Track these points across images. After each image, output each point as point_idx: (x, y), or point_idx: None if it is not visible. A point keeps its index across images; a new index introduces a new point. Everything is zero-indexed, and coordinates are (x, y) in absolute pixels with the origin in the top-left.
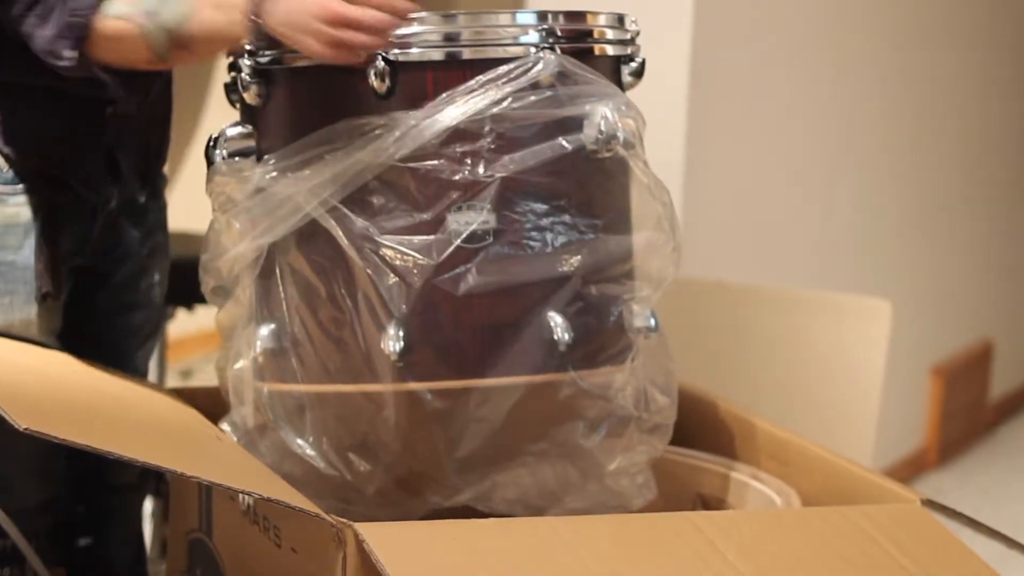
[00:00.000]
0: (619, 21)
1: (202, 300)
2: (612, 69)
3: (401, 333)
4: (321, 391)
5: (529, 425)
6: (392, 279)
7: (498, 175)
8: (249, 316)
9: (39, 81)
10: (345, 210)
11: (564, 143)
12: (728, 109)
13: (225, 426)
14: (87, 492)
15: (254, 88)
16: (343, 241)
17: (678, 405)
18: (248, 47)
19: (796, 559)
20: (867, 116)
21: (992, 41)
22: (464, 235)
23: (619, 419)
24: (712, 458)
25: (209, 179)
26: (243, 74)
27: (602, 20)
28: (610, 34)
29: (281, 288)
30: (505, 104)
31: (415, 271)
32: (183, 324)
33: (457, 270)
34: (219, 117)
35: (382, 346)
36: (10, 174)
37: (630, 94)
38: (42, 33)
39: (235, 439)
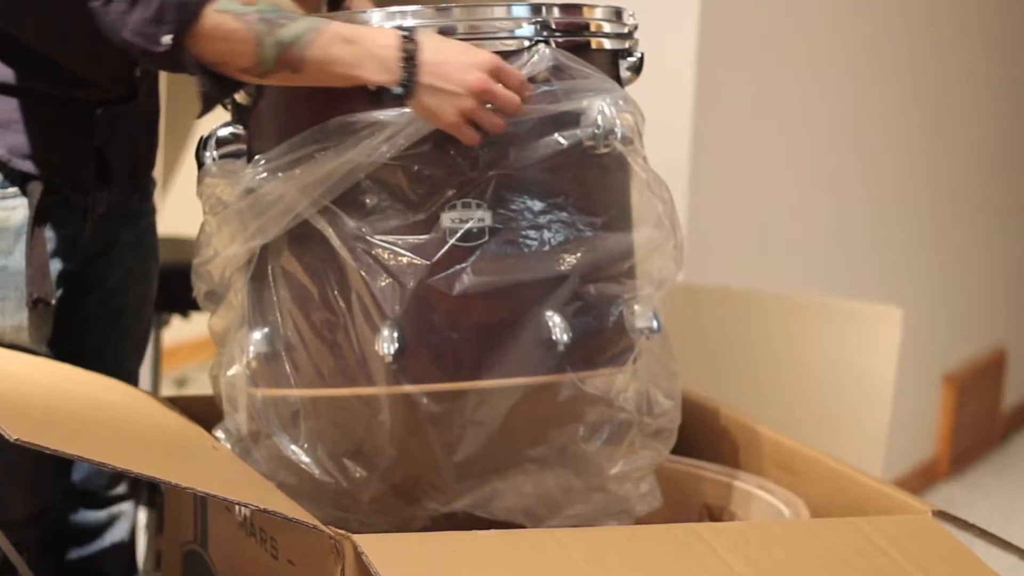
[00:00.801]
0: (616, 15)
1: (197, 307)
2: (609, 63)
3: (395, 335)
4: (315, 395)
5: (528, 429)
6: (385, 280)
7: (493, 172)
8: (241, 321)
9: (27, 83)
10: (337, 210)
11: (560, 139)
12: (734, 109)
13: (219, 434)
14: (79, 503)
15: (246, 87)
16: (335, 242)
17: (683, 414)
18: None
19: (804, 571)
20: (878, 116)
21: (1009, 42)
22: (459, 233)
23: (621, 423)
24: (718, 468)
25: (200, 181)
26: None
27: (599, 13)
28: (607, 28)
29: (273, 291)
30: None
31: (409, 271)
32: (178, 331)
33: (452, 269)
34: (214, 121)
35: (376, 348)
36: None
37: (630, 91)
38: (135, 15)
39: (229, 447)
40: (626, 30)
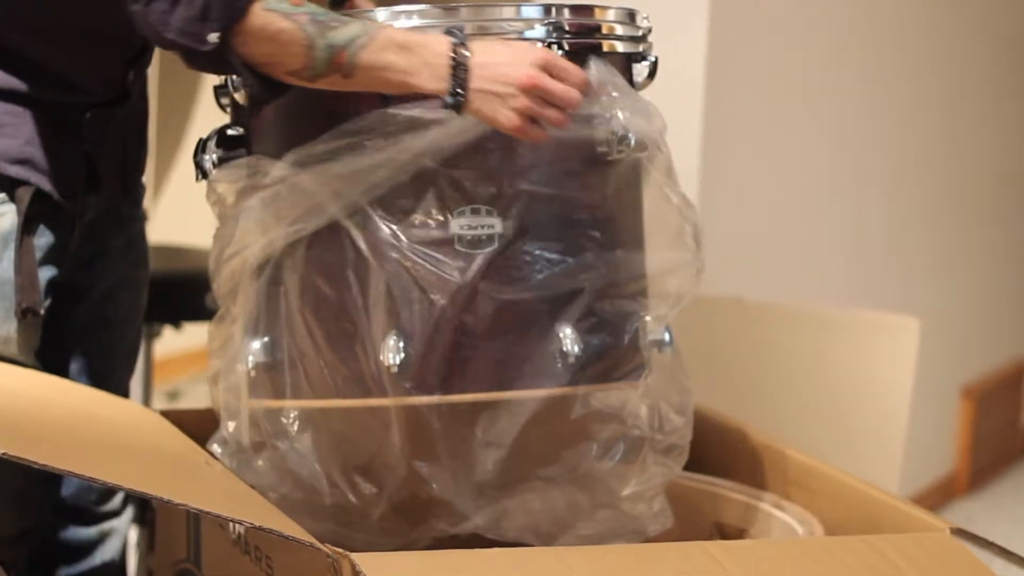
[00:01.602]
0: (630, 17)
1: (189, 317)
2: (623, 67)
3: (402, 344)
4: (321, 407)
5: (540, 448)
6: (395, 287)
7: (505, 179)
8: (247, 325)
9: (16, 86)
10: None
11: (575, 143)
12: (747, 113)
13: (215, 446)
14: (69, 520)
15: (245, 88)
16: (362, 245)
17: (694, 429)
18: None
19: None
20: (897, 120)
21: None
22: (469, 241)
23: (633, 440)
24: (730, 484)
25: (211, 189)
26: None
27: (611, 15)
28: (620, 30)
29: (282, 296)
30: None
31: (418, 279)
32: (170, 343)
33: (462, 278)
34: (208, 126)
35: (381, 357)
36: None
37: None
38: (178, 13)
39: (226, 460)
40: (640, 33)
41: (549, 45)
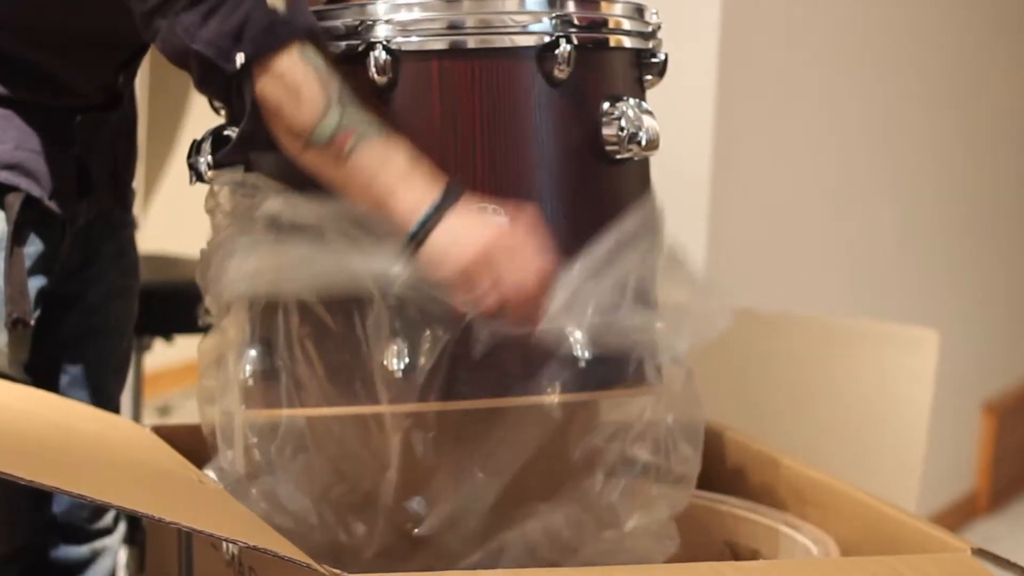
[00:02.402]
0: (638, 12)
1: (181, 329)
2: (631, 64)
3: (406, 348)
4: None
5: (541, 478)
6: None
7: (508, 174)
8: (242, 341)
9: (5, 91)
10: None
11: (579, 139)
12: (758, 119)
13: (211, 473)
14: (59, 538)
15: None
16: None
17: (704, 444)
18: None
19: None
20: (912, 124)
21: None
22: None
23: (639, 469)
24: (741, 503)
25: (210, 193)
26: None
27: (618, 9)
28: (627, 25)
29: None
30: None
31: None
32: (161, 356)
33: None
34: (200, 130)
35: (385, 362)
36: None
37: (650, 95)
38: (212, 25)
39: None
40: (649, 29)
41: (556, 40)
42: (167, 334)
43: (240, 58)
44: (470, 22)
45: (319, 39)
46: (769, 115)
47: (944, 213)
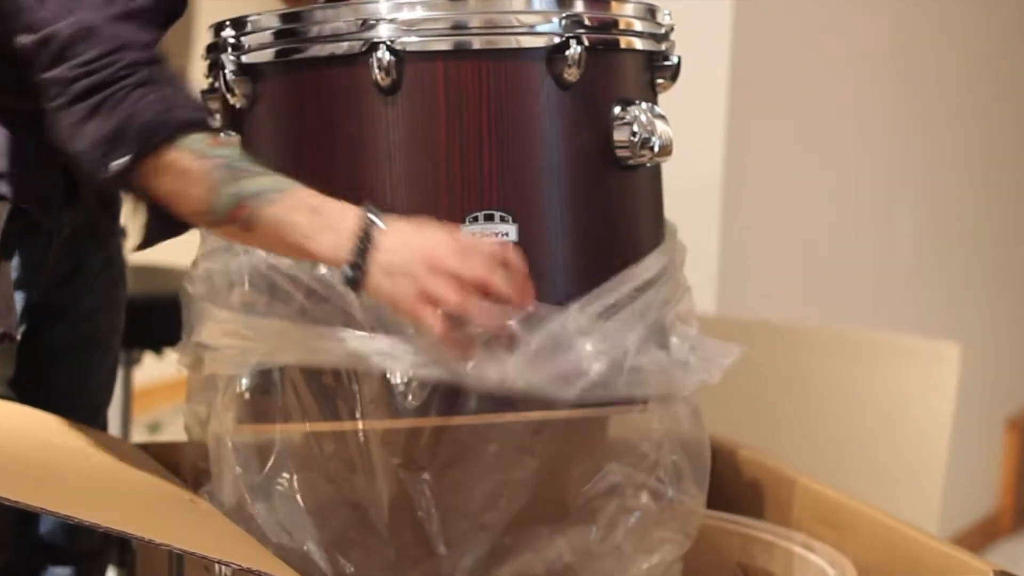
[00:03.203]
0: (650, 13)
1: (172, 343)
2: (642, 67)
3: None
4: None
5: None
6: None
7: (516, 180)
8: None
9: None
10: None
11: (588, 146)
12: (773, 124)
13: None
14: (46, 559)
15: (239, 88)
16: None
17: (713, 460)
18: (231, 39)
19: None
20: (931, 131)
21: None
22: None
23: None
24: (755, 523)
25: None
26: (226, 72)
27: (629, 10)
28: (639, 26)
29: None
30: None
31: None
32: (151, 370)
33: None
34: None
35: (388, 376)
36: None
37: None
38: (90, 127)
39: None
40: (661, 31)
41: (566, 40)
42: (157, 347)
43: (119, 164)
44: (475, 22)
45: (200, 122)
46: (784, 121)
47: (965, 222)
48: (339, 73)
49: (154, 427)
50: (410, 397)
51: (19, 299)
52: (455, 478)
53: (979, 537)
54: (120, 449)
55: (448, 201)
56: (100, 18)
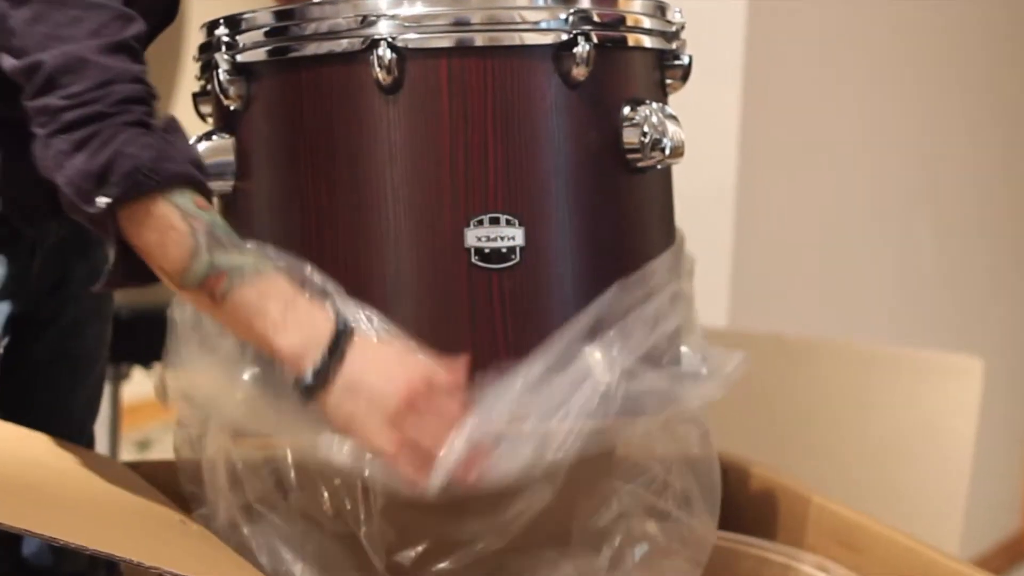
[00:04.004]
0: (660, 10)
1: (161, 358)
2: (652, 66)
3: None
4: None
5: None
6: (401, 306)
7: (522, 182)
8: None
9: None
10: None
11: (597, 147)
12: (788, 127)
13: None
14: None
15: (234, 89)
16: None
17: (725, 479)
18: (225, 38)
19: None
20: (953, 136)
21: None
22: (486, 253)
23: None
24: (769, 545)
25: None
26: (219, 72)
27: (638, 6)
28: (648, 23)
29: None
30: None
31: (428, 296)
32: (140, 386)
33: (478, 294)
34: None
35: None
36: None
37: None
38: (76, 160)
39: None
40: (672, 28)
41: (574, 38)
42: (147, 362)
43: (102, 202)
44: (479, 18)
45: (193, 178)
46: (800, 123)
47: (988, 229)
48: (338, 72)
49: (143, 444)
50: None
51: (3, 310)
52: (456, 505)
53: (1003, 559)
54: (107, 468)
55: (452, 204)
56: (88, 49)
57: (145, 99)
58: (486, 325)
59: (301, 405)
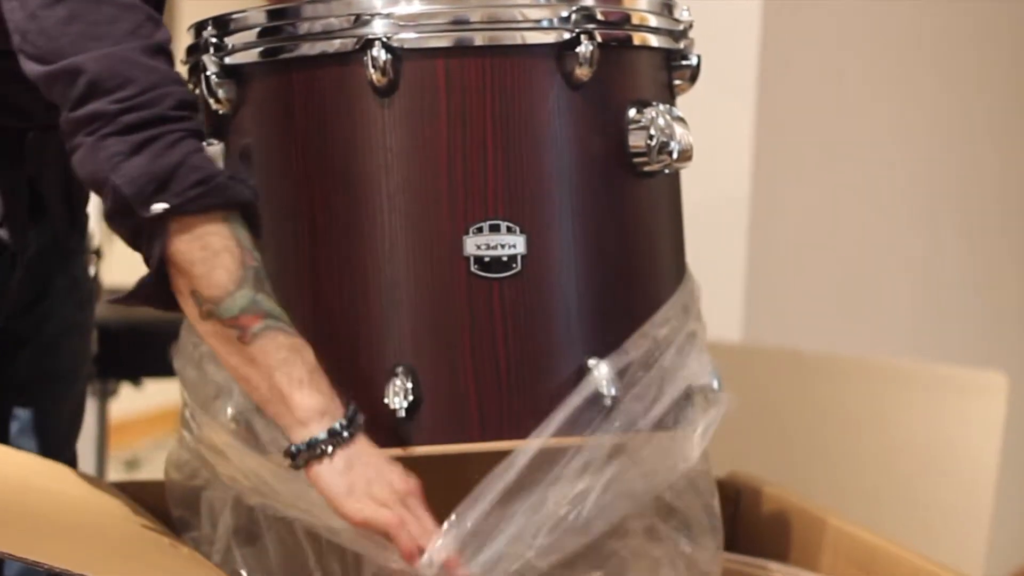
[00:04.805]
0: (667, 8)
1: (150, 372)
2: (659, 66)
3: (409, 385)
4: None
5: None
6: (398, 317)
7: (523, 187)
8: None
9: None
10: None
11: (601, 151)
12: (805, 132)
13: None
14: None
15: (223, 92)
16: None
17: (739, 499)
18: (214, 40)
19: None
20: (978, 140)
21: None
22: (486, 262)
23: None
24: (781, 567)
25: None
26: (208, 75)
27: (644, 4)
28: (655, 22)
29: None
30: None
31: (426, 306)
32: (128, 402)
33: (478, 304)
34: None
35: (386, 400)
36: None
37: (681, 103)
38: (136, 161)
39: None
40: (680, 27)
41: (577, 36)
42: (135, 378)
43: (160, 207)
44: (478, 16)
45: (251, 211)
46: (817, 126)
47: (1016, 240)
48: (331, 73)
49: (132, 464)
50: (414, 420)
51: None
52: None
53: None
54: (93, 488)
55: (450, 211)
56: (130, 50)
57: (196, 105)
58: (486, 337)
59: (289, 465)
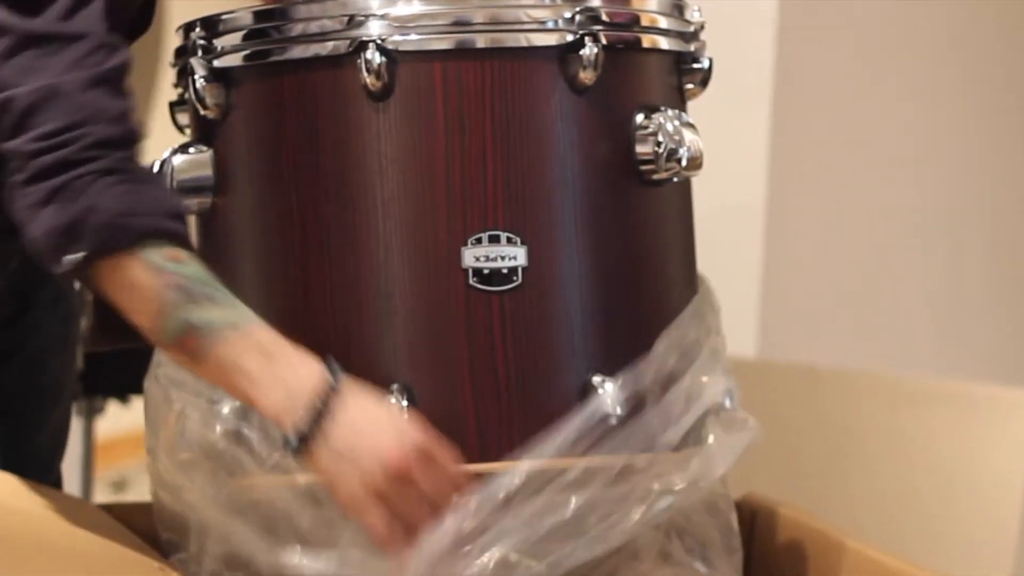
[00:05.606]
0: (677, 9)
1: (139, 390)
2: (668, 69)
3: (405, 403)
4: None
5: None
6: (393, 332)
7: (525, 196)
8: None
9: None
10: None
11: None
12: (822, 138)
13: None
14: None
15: (211, 96)
16: None
17: (752, 519)
18: (202, 42)
19: None
20: (1004, 145)
21: None
22: (486, 274)
23: None
24: None
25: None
26: (196, 78)
27: (653, 4)
28: (664, 23)
29: None
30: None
31: (422, 321)
32: (115, 421)
33: (476, 319)
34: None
35: None
36: None
37: (692, 108)
38: (47, 214)
39: None
40: (690, 29)
41: (581, 39)
42: (122, 395)
43: (71, 260)
44: (479, 17)
45: (166, 231)
46: (835, 133)
47: None
48: (323, 77)
49: (119, 485)
50: None
51: None
52: None
53: None
54: (78, 510)
55: (448, 221)
56: (66, 82)
57: (120, 142)
58: (485, 352)
59: (294, 461)
